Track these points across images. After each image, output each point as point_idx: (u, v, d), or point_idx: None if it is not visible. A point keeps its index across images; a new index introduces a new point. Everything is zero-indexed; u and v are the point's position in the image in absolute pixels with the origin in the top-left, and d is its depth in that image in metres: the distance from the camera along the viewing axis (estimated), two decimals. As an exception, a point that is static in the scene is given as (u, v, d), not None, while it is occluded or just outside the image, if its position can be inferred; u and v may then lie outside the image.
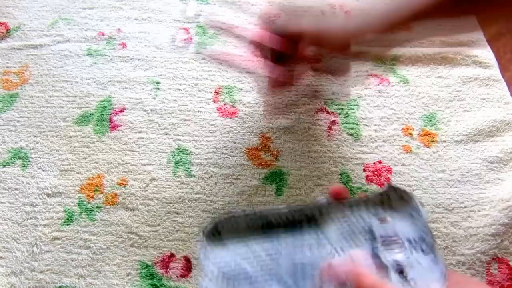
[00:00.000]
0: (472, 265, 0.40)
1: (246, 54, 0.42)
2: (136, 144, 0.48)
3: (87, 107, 0.51)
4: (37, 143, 0.48)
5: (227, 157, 0.47)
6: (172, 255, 0.41)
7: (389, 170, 0.46)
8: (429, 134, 0.48)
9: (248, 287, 0.26)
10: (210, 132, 0.48)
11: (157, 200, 0.44)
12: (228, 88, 0.52)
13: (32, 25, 0.58)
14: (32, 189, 0.45)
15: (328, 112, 0.50)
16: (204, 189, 0.45)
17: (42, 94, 0.52)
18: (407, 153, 0.47)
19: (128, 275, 0.40)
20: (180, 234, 0.42)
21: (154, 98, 0.51)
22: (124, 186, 0.45)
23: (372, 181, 0.45)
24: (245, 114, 0.50)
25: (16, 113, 0.50)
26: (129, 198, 0.44)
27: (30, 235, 0.42)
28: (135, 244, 0.42)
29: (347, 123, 0.49)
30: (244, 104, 0.51)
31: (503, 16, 0.38)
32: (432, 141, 0.48)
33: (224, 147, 0.47)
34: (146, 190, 0.45)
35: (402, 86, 0.52)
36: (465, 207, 0.43)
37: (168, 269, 0.40)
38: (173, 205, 0.44)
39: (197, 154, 0.47)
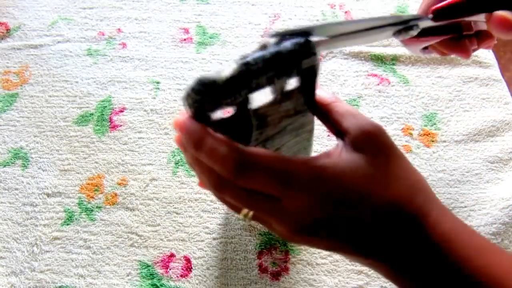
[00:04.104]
0: (472, 264, 0.40)
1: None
2: (136, 144, 0.48)
3: (87, 107, 0.51)
4: (37, 143, 0.48)
5: (227, 157, 0.47)
6: (172, 255, 0.41)
7: (389, 170, 0.46)
8: (429, 134, 0.48)
9: None
10: (210, 132, 0.48)
11: (157, 200, 0.44)
12: (228, 88, 0.52)
13: (32, 25, 0.58)
14: (32, 189, 0.45)
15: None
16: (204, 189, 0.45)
17: (42, 94, 0.52)
18: (407, 153, 0.47)
19: (128, 275, 0.40)
20: (180, 234, 0.42)
21: (154, 98, 0.51)
22: (124, 186, 0.45)
23: (372, 181, 0.45)
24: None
25: (16, 113, 0.50)
26: (129, 198, 0.44)
27: (30, 235, 0.42)
28: (135, 244, 0.42)
29: (347, 123, 0.49)
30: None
31: None
32: (432, 141, 0.48)
33: (224, 147, 0.47)
34: (146, 190, 0.45)
35: (402, 86, 0.52)
36: (465, 206, 0.43)
37: (168, 269, 0.40)
38: (173, 205, 0.44)
39: (197, 154, 0.47)
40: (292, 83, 0.26)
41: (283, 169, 0.23)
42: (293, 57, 0.24)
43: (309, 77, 0.26)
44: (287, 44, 0.24)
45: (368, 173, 0.24)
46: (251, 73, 0.22)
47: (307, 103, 0.28)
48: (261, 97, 0.25)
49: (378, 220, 0.24)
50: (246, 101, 0.24)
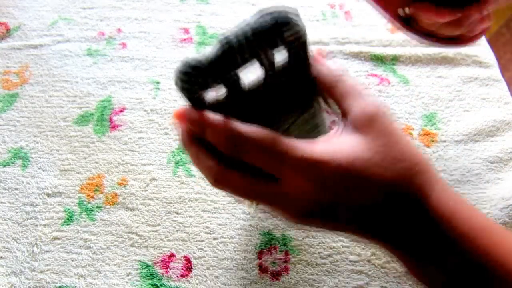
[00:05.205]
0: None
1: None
2: (136, 144, 0.48)
3: (87, 107, 0.51)
4: (37, 143, 0.48)
5: (227, 157, 0.47)
6: (172, 255, 0.41)
7: (389, 170, 0.46)
8: (429, 134, 0.48)
9: None
10: (210, 132, 0.48)
11: (157, 200, 0.44)
12: (228, 88, 0.52)
13: (32, 25, 0.58)
14: (32, 189, 0.45)
15: (328, 112, 0.50)
16: (204, 189, 0.45)
17: (42, 94, 0.52)
18: (407, 153, 0.47)
19: (128, 275, 0.40)
20: (180, 234, 0.42)
21: (154, 98, 0.51)
22: (124, 186, 0.45)
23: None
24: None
25: (16, 113, 0.50)
26: (129, 198, 0.44)
27: (30, 235, 0.42)
28: (135, 244, 0.42)
29: (347, 123, 0.49)
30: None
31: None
32: (432, 141, 0.48)
33: (224, 147, 0.47)
34: (146, 190, 0.45)
35: (402, 86, 0.52)
36: (465, 206, 0.43)
37: (168, 269, 0.40)
38: (173, 205, 0.44)
39: (197, 154, 0.47)
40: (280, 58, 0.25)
41: (273, 146, 0.24)
42: (272, 26, 0.23)
43: (298, 50, 0.25)
44: (266, 15, 0.24)
45: (366, 156, 0.24)
46: (234, 49, 0.23)
47: (301, 79, 0.27)
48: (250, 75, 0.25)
49: (378, 202, 0.24)
50: (237, 79, 0.24)
